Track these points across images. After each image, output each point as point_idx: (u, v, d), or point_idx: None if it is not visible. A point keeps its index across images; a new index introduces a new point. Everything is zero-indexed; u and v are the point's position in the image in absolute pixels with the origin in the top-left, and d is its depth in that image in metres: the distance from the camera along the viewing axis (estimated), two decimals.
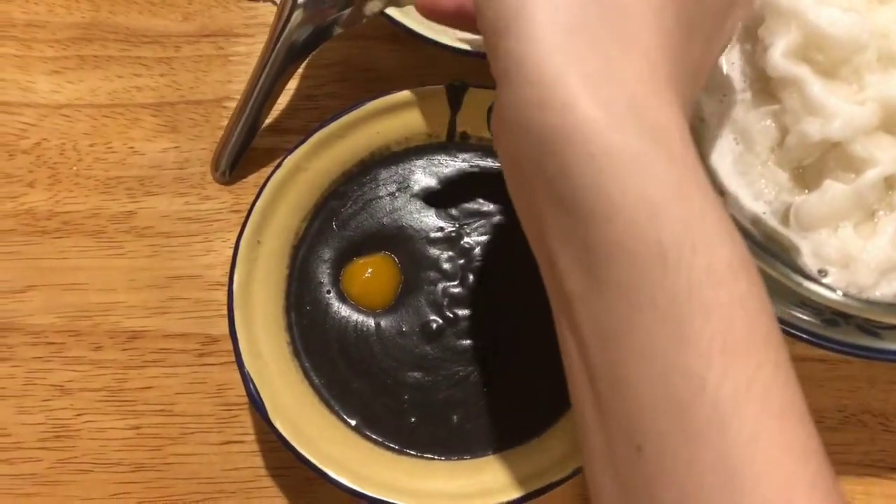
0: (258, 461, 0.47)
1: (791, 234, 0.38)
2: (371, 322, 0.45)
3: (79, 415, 0.48)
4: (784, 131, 0.38)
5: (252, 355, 0.43)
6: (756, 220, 0.38)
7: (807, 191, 0.39)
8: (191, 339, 0.49)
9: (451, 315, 0.45)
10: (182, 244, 0.50)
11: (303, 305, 0.45)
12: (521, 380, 0.44)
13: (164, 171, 0.51)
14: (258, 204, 0.44)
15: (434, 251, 0.46)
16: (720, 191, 0.38)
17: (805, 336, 0.42)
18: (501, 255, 0.46)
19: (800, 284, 0.37)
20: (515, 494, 0.41)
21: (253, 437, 0.47)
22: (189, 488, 0.47)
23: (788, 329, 0.42)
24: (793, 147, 0.37)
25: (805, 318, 0.42)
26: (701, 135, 0.39)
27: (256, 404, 0.42)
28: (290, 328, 0.45)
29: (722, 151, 0.39)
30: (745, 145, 0.39)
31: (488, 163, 0.47)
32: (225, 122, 0.52)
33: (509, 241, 0.46)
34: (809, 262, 0.37)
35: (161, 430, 0.47)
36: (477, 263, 0.46)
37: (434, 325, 0.45)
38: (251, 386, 0.42)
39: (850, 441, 0.47)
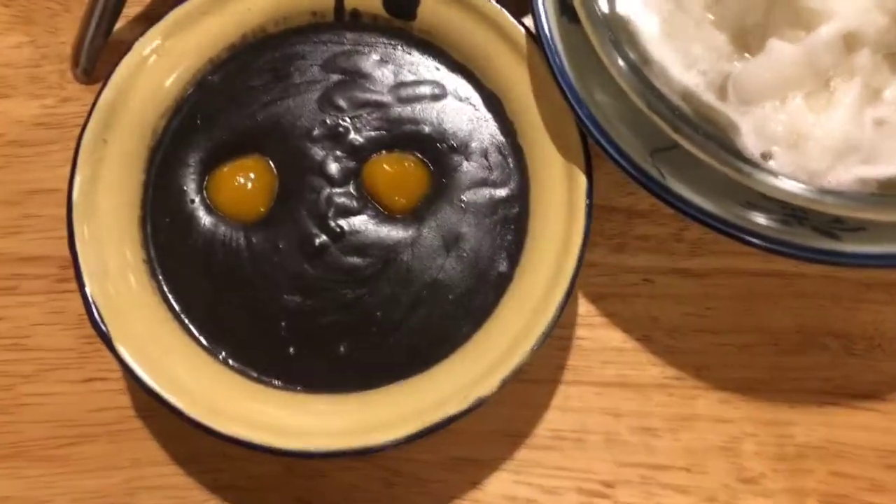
0: (125, 401, 0.41)
1: (729, 110, 0.31)
2: (242, 236, 0.38)
3: None
4: None
5: (96, 275, 0.36)
6: (688, 95, 0.31)
7: (748, 56, 0.32)
8: (48, 263, 0.42)
9: (337, 228, 0.38)
10: (38, 154, 0.43)
11: (162, 217, 0.38)
12: (417, 303, 0.37)
13: (16, 70, 0.44)
14: (104, 95, 0.37)
15: (317, 151, 0.39)
16: (644, 59, 0.31)
17: (755, 240, 0.35)
18: (398, 153, 0.39)
19: (740, 171, 0.31)
20: (404, 431, 0.34)
21: (119, 374, 0.41)
22: (45, 432, 0.40)
23: (735, 233, 0.35)
24: (733, 1, 0.30)
25: (754, 219, 0.35)
26: None
27: (99, 331, 0.35)
28: (146, 243, 0.38)
29: (647, 10, 0.32)
30: (675, 2, 0.32)
31: (383, 45, 0.40)
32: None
33: (407, 138, 0.39)
34: (751, 142, 0.31)
35: (12, 368, 0.41)
36: (366, 165, 0.39)
37: (316, 240, 0.38)
38: (93, 310, 0.35)
39: (809, 365, 0.40)
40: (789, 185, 0.30)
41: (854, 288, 0.41)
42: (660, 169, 0.35)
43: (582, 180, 0.36)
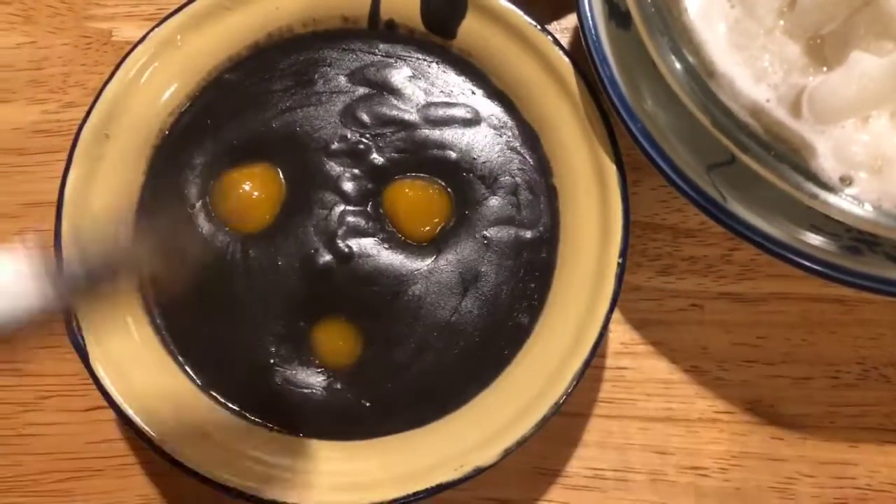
0: (132, 431, 0.38)
1: (804, 129, 0.28)
2: (239, 248, 0.35)
3: None
4: None
5: None
6: (756, 111, 0.28)
7: (826, 69, 0.28)
8: None
9: (346, 248, 0.35)
10: (38, 163, 0.41)
11: (157, 222, 0.35)
12: (424, 347, 0.34)
13: (15, 73, 0.41)
14: (109, 86, 0.34)
15: (333, 166, 0.35)
16: (708, 71, 0.28)
17: (817, 268, 0.32)
18: (421, 180, 0.36)
19: (816, 197, 0.27)
20: (389, 494, 0.31)
21: None
22: (46, 465, 0.38)
23: (795, 258, 0.32)
24: (809, 6, 0.27)
25: (818, 244, 0.32)
26: None
27: (76, 344, 0.33)
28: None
29: (712, 17, 0.28)
30: (744, 8, 0.28)
31: (418, 60, 0.37)
32: (94, 10, 0.41)
33: (432, 163, 0.36)
34: (828, 165, 0.27)
35: (11, 395, 0.38)
36: (388, 188, 0.35)
37: (320, 260, 0.34)
38: (73, 321, 0.33)
39: (870, 401, 0.37)
40: (872, 214, 0.27)
41: None
42: (719, 188, 0.32)
43: (617, 236, 0.33)
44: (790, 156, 0.28)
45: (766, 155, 0.28)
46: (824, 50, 0.28)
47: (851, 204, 0.27)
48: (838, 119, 0.28)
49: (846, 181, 0.27)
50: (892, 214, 0.27)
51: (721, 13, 0.29)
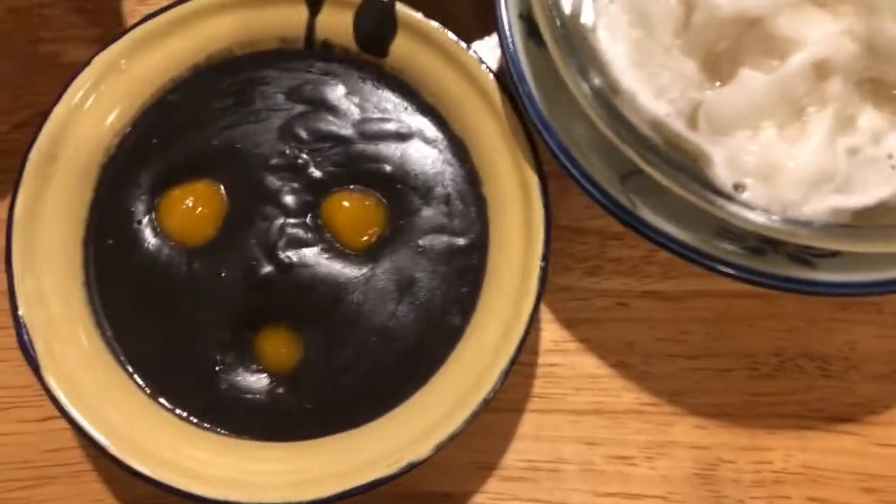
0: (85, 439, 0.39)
1: (700, 140, 0.30)
2: (184, 262, 0.37)
3: None
4: (689, 7, 0.30)
5: (31, 296, 0.35)
6: (657, 125, 0.30)
7: (719, 84, 0.31)
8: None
9: (286, 259, 0.36)
10: None
11: (105, 238, 0.37)
12: (363, 351, 0.36)
13: None
14: (56, 109, 0.36)
15: (273, 181, 0.37)
16: (613, 88, 0.30)
17: (727, 270, 0.34)
18: (357, 192, 0.37)
19: (713, 203, 0.30)
20: (327, 490, 0.33)
21: None
22: (2, 474, 0.39)
23: (707, 262, 0.34)
24: (701, 27, 0.30)
25: (723, 246, 0.35)
26: (583, 18, 0.31)
27: (28, 356, 0.34)
28: (86, 265, 0.36)
29: (614, 37, 0.31)
30: (644, 29, 0.31)
31: (352, 78, 0.38)
32: (42, 33, 0.43)
33: (368, 176, 0.37)
34: (723, 174, 0.30)
35: None
36: (327, 200, 0.37)
37: (262, 270, 0.36)
38: (23, 333, 0.34)
39: (786, 390, 0.40)
40: (762, 218, 0.29)
41: (829, 308, 0.41)
42: (630, 197, 0.34)
43: (539, 242, 0.35)
44: (689, 165, 0.30)
45: (666, 166, 0.30)
46: (718, 67, 0.31)
47: (745, 210, 0.30)
48: (731, 130, 0.30)
49: (739, 188, 0.30)
50: (781, 218, 0.29)
51: (623, 33, 0.31)
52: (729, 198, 0.30)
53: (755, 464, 0.39)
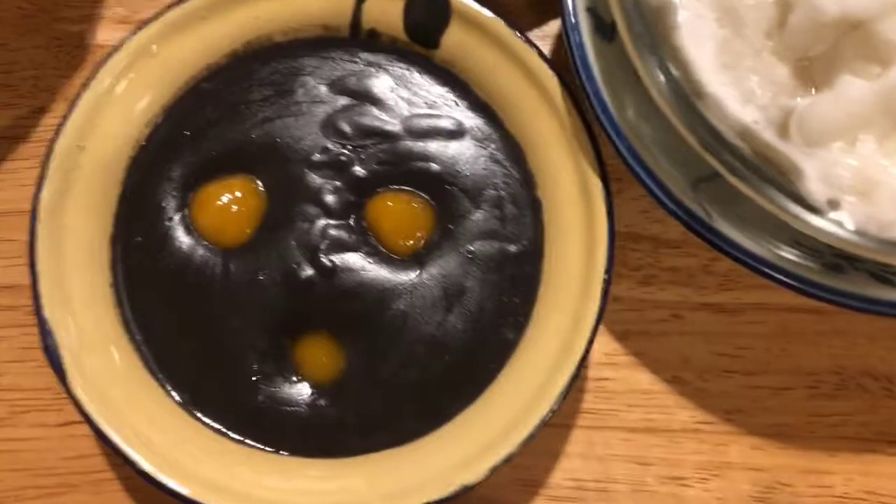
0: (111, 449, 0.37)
1: (792, 152, 0.28)
2: (219, 263, 0.34)
3: None
4: (786, 7, 0.28)
5: (57, 299, 0.33)
6: (745, 133, 0.28)
7: (814, 91, 0.28)
8: (20, 293, 0.38)
9: (329, 262, 0.34)
10: (7, 171, 0.39)
11: (134, 236, 0.34)
12: (410, 362, 0.34)
13: None
14: (85, 95, 0.33)
15: (314, 178, 0.35)
16: (696, 91, 0.28)
17: (797, 284, 0.32)
18: (404, 192, 0.35)
19: (800, 219, 0.28)
20: None
21: None
22: (20, 482, 0.37)
23: (774, 274, 0.32)
24: (798, 28, 0.27)
25: (798, 260, 0.33)
26: (667, 12, 0.28)
27: (53, 364, 0.32)
28: (114, 266, 0.34)
29: (699, 36, 0.28)
30: (733, 28, 0.28)
31: (400, 70, 0.36)
32: (65, 12, 0.40)
33: (415, 175, 0.35)
34: (816, 189, 0.27)
35: None
36: (371, 201, 0.35)
37: (302, 274, 0.34)
38: (49, 339, 0.32)
39: (847, 410, 0.38)
40: (858, 238, 0.27)
41: (892, 325, 0.39)
42: (704, 206, 0.32)
43: (603, 251, 0.33)
44: (778, 179, 0.28)
45: (755, 178, 0.28)
46: (812, 72, 0.28)
47: (836, 227, 0.27)
48: (826, 142, 0.28)
49: (834, 204, 0.28)
50: (877, 238, 0.27)
51: (709, 32, 0.28)
52: (821, 214, 0.27)
53: (815, 487, 0.37)
